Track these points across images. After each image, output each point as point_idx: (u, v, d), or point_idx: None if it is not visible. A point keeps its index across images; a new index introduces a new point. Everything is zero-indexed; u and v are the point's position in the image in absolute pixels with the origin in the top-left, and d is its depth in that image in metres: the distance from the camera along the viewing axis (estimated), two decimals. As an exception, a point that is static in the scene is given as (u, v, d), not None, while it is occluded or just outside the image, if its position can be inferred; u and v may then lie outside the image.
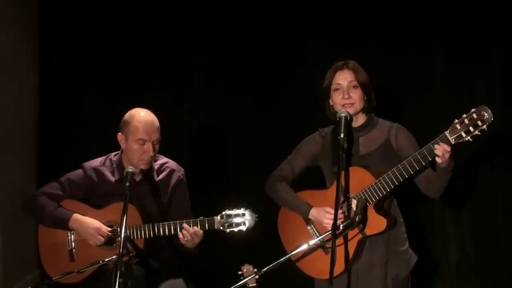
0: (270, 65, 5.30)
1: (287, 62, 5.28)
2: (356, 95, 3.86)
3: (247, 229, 4.01)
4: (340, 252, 3.72)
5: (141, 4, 5.46)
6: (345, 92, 3.85)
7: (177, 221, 4.04)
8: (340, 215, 3.74)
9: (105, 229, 4.08)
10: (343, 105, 3.84)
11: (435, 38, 5.06)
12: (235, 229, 4.01)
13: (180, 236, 4.02)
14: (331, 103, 3.92)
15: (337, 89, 3.88)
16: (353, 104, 3.85)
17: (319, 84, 3.95)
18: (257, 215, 4.03)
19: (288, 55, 5.28)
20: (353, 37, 5.11)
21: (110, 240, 4.09)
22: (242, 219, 4.01)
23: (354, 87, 3.87)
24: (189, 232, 4.00)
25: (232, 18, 5.36)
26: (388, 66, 5.05)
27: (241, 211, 4.02)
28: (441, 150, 3.59)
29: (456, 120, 3.58)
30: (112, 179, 4.21)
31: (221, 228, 4.02)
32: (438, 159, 3.62)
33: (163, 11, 5.45)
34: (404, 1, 5.07)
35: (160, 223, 4.05)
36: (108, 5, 5.48)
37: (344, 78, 3.87)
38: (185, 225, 4.01)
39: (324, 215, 3.86)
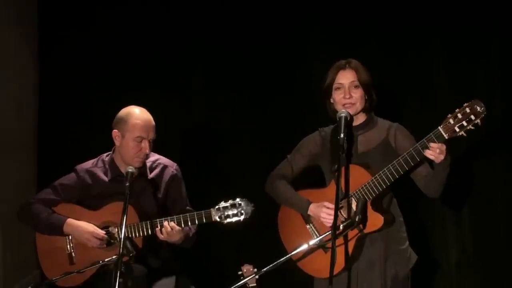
0: (270, 64, 5.30)
1: (287, 61, 5.27)
2: (357, 95, 3.86)
3: (244, 219, 4.00)
4: (339, 251, 3.72)
5: (141, 4, 5.46)
6: (347, 92, 3.85)
7: (174, 216, 4.03)
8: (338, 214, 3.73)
9: (99, 232, 4.08)
10: (344, 105, 3.85)
11: (435, 38, 5.05)
12: (233, 220, 3.99)
13: (158, 233, 4.02)
14: (332, 102, 3.92)
15: (339, 88, 3.88)
16: (354, 104, 3.85)
17: (319, 84, 3.95)
18: (253, 204, 4.00)
19: (288, 54, 5.27)
20: (353, 37, 5.11)
21: (108, 241, 4.09)
22: (238, 209, 3.99)
23: (356, 87, 3.87)
24: (166, 230, 4.00)
25: (232, 18, 5.36)
26: (388, 66, 5.04)
27: (237, 201, 4.00)
28: (436, 151, 3.57)
29: (450, 115, 3.55)
30: (106, 179, 4.21)
31: (219, 220, 3.99)
32: (434, 158, 3.61)
33: (163, 11, 5.45)
34: (404, 1, 5.06)
35: (157, 220, 4.03)
36: (108, 5, 5.47)
37: (346, 78, 3.87)
38: (164, 223, 4.00)
39: (321, 209, 3.86)
